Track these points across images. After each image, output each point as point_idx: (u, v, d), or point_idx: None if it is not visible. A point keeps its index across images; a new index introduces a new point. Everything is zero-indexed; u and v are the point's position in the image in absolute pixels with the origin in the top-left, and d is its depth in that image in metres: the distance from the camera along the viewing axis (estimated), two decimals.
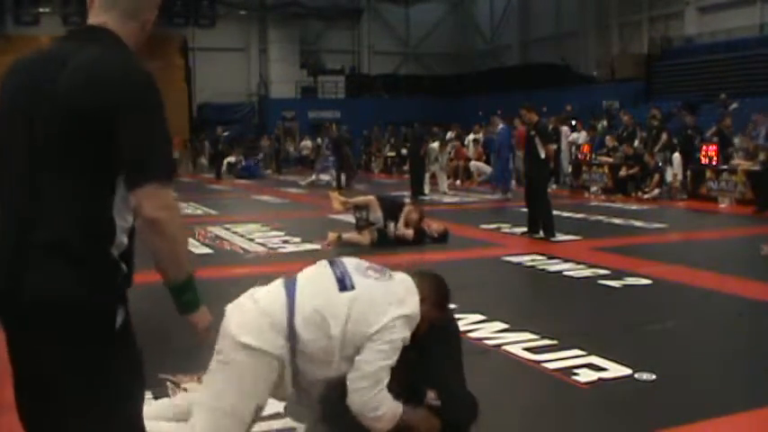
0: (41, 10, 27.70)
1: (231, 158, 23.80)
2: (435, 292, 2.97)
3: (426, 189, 15.97)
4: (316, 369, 2.77)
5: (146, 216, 1.83)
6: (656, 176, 14.37)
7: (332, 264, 2.95)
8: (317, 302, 2.77)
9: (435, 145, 16.84)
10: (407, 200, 9.76)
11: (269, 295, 2.85)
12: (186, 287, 1.95)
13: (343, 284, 2.81)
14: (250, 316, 2.78)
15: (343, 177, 18.86)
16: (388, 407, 2.77)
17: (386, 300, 2.79)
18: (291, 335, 2.72)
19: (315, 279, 2.89)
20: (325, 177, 20.02)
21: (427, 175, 16.21)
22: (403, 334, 2.77)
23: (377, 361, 2.73)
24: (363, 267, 2.95)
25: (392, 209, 9.05)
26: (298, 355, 2.73)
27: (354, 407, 2.74)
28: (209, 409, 2.75)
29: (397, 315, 2.76)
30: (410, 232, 8.82)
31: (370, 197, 9.26)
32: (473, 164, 19.56)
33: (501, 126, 16.46)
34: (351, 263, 2.96)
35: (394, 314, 2.76)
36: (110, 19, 1.92)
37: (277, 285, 2.91)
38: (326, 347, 2.74)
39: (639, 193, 14.38)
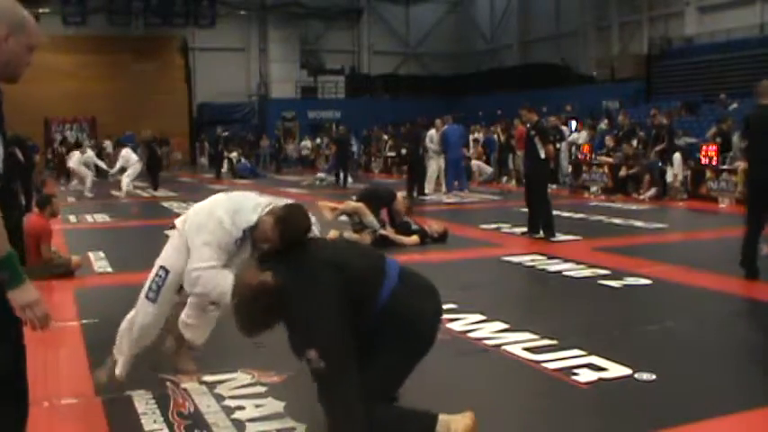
0: (41, 10, 27.65)
1: (231, 155, 23.84)
2: (283, 215, 3.15)
3: (428, 189, 15.96)
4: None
5: None
6: (647, 176, 14.36)
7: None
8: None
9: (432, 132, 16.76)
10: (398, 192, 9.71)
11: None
12: (2, 266, 2.16)
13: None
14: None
15: (342, 177, 18.90)
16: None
17: (221, 203, 3.81)
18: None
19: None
20: (324, 176, 20.11)
21: (430, 173, 16.18)
22: (218, 228, 3.64)
23: (196, 248, 3.71)
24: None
25: (382, 205, 9.05)
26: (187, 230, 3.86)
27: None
28: None
29: (214, 213, 3.74)
30: (440, 229, 9.05)
31: (359, 204, 8.97)
32: (474, 163, 19.56)
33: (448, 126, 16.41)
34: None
35: (213, 212, 3.75)
36: None
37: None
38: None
39: (636, 195, 14.39)
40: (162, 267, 3.64)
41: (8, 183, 2.32)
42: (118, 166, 18.07)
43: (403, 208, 9.13)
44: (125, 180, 16.93)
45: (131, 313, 3.76)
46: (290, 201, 3.48)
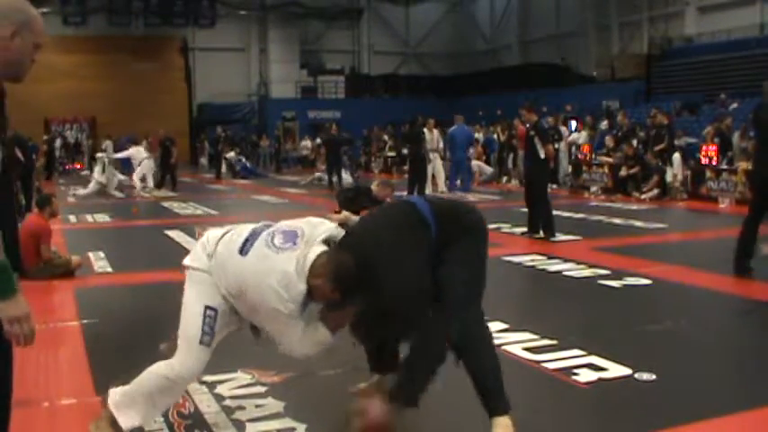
0: (42, 10, 27.64)
1: (229, 155, 23.84)
2: (331, 274, 2.98)
3: (427, 190, 15.96)
4: (237, 303, 3.14)
5: None
6: (655, 177, 14.37)
7: (260, 226, 3.23)
8: (224, 252, 3.15)
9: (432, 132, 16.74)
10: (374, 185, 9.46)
11: (214, 231, 3.31)
12: None
13: (243, 249, 3.10)
14: (195, 249, 3.29)
15: (335, 179, 18.77)
16: (309, 348, 3.12)
17: (266, 273, 2.99)
18: (212, 258, 3.18)
19: (239, 232, 3.22)
20: (323, 176, 20.09)
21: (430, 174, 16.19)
22: (272, 307, 2.98)
23: (268, 323, 3.08)
24: (276, 234, 3.13)
25: (363, 207, 8.91)
26: (216, 279, 3.15)
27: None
28: (181, 322, 3.22)
29: (266, 291, 2.98)
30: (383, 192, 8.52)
31: (343, 214, 8.87)
32: (474, 163, 19.56)
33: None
34: (271, 230, 3.17)
35: (264, 289, 2.98)
36: None
37: (230, 227, 3.32)
38: (230, 291, 3.12)
39: (637, 194, 14.38)
40: (210, 308, 3.17)
41: (7, 184, 2.33)
42: (138, 173, 17.49)
43: (382, 192, 8.85)
44: (137, 182, 16.98)
45: (162, 371, 3.18)
46: (320, 244, 3.10)
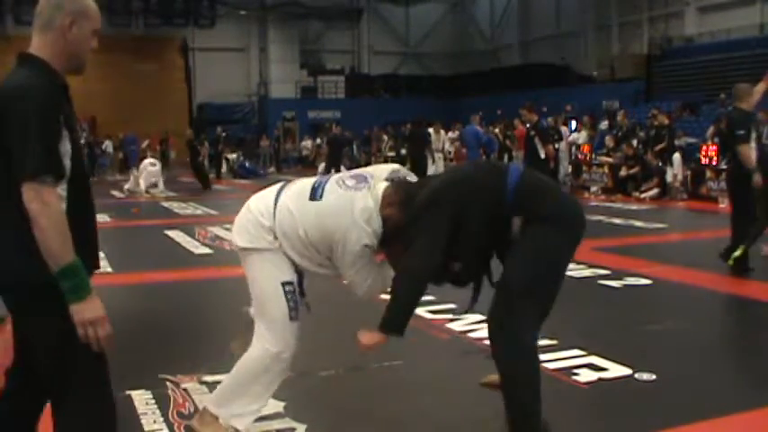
0: None
1: (229, 156, 23.84)
2: (396, 194, 3.08)
3: None
4: (305, 262, 3.13)
5: (26, 207, 2.03)
6: (656, 179, 14.37)
7: (319, 178, 3.25)
8: (292, 206, 3.10)
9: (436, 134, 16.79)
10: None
11: (260, 200, 3.23)
12: (64, 275, 2.04)
13: (314, 195, 3.10)
14: (242, 221, 3.22)
15: None
16: (377, 292, 3.19)
17: (344, 211, 3.01)
18: (276, 232, 3.11)
19: (300, 185, 3.21)
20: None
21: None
22: (359, 243, 3.00)
23: (346, 268, 3.06)
24: (345, 178, 3.18)
25: None
26: (286, 248, 3.10)
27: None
28: (257, 304, 3.19)
29: (350, 228, 2.99)
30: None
31: None
32: None
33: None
34: (337, 176, 3.22)
35: (348, 226, 2.99)
36: (34, 38, 2.23)
37: (270, 190, 3.25)
38: (302, 245, 3.09)
39: (637, 194, 14.39)
40: (287, 283, 3.13)
41: (84, 182, 2.26)
42: (144, 183, 17.42)
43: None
44: (142, 184, 17.05)
45: (259, 353, 3.16)
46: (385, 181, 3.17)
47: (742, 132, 6.67)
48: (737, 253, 6.69)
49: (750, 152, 6.70)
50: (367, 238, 2.98)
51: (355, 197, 3.04)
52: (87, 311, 2.04)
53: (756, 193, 6.78)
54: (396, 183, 3.13)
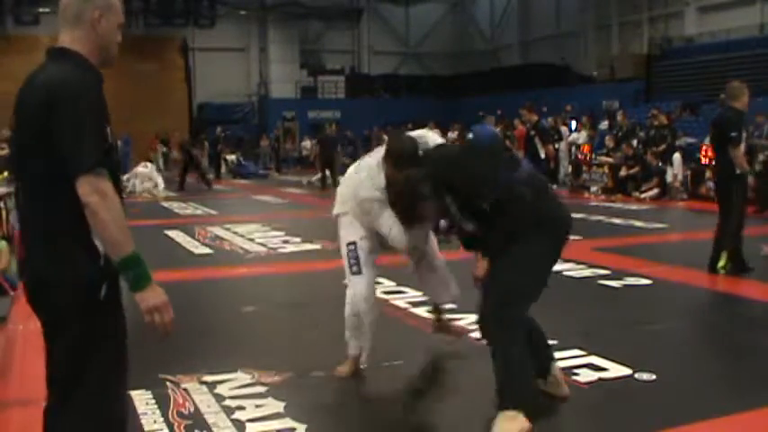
0: (41, 10, 27.69)
1: (228, 156, 23.84)
2: (391, 151, 3.79)
3: None
4: (362, 219, 3.99)
5: (82, 201, 2.06)
6: (656, 179, 14.37)
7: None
8: (352, 180, 4.05)
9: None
10: None
11: (347, 175, 4.25)
12: (126, 265, 2.13)
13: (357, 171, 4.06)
14: (336, 200, 4.23)
15: (330, 178, 18.60)
16: (401, 237, 3.88)
17: (361, 169, 4.00)
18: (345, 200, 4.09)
19: (355, 167, 4.16)
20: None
21: None
22: (363, 196, 3.86)
23: (375, 218, 3.86)
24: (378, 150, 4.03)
25: None
26: (352, 211, 4.02)
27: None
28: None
29: (359, 185, 3.91)
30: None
31: None
32: None
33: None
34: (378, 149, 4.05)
35: (363, 181, 3.90)
36: (64, 34, 2.28)
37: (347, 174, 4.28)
38: (357, 207, 3.97)
39: (637, 194, 14.40)
40: (350, 243, 4.00)
41: (116, 177, 2.28)
42: (139, 185, 17.51)
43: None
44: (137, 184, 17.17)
45: (348, 310, 4.02)
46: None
47: (735, 134, 6.61)
48: (721, 263, 6.74)
49: (742, 154, 6.69)
50: (373, 191, 3.77)
51: (365, 160, 3.99)
52: (151, 299, 2.14)
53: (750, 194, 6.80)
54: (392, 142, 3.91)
